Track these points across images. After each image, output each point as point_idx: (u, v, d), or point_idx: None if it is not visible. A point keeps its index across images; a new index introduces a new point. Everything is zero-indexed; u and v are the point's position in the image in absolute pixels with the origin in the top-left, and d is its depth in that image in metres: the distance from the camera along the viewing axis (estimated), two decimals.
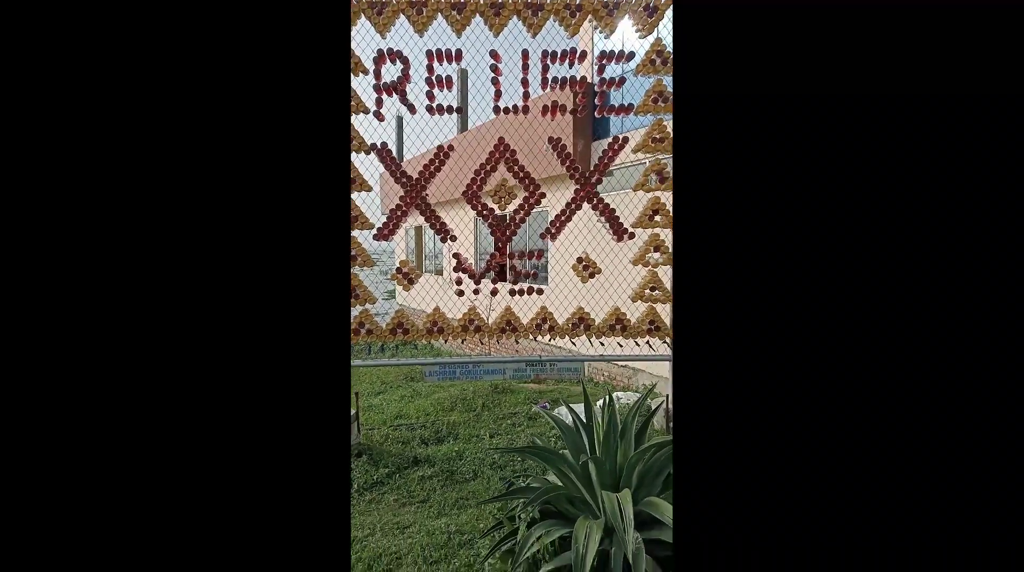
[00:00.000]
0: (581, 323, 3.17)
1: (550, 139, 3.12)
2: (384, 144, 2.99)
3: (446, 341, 3.29)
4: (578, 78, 3.03)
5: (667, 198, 2.94)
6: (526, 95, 3.02)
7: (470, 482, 2.83)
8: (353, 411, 3.32)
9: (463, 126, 8.90)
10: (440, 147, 3.02)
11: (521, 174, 3.06)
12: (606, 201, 3.08)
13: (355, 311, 3.07)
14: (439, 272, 9.17)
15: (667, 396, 3.53)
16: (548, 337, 3.19)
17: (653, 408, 2.44)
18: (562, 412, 3.76)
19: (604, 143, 5.97)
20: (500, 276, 3.19)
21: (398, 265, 3.15)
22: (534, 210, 3.11)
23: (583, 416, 3.67)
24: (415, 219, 10.62)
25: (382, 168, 3.09)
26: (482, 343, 3.40)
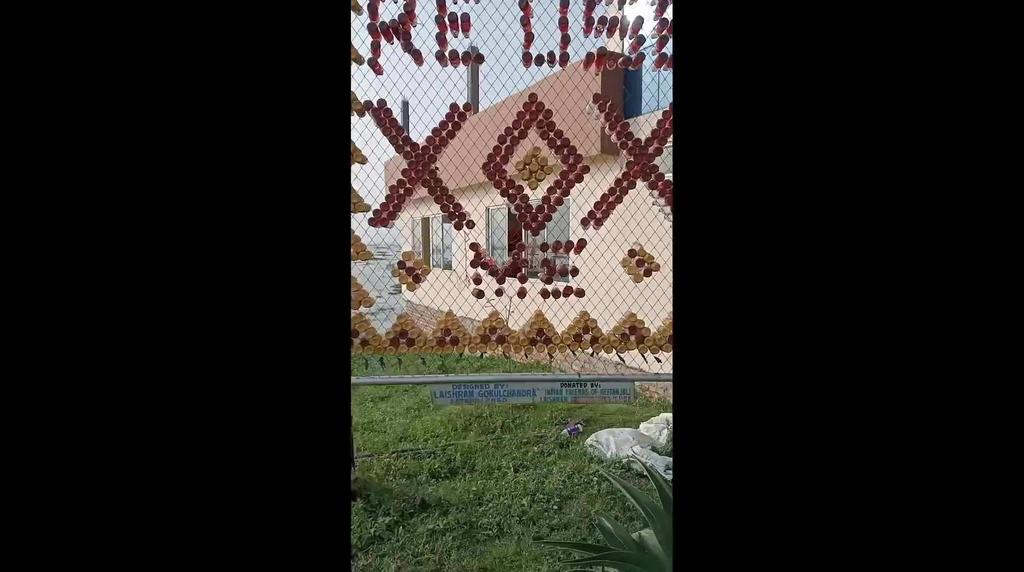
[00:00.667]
0: (633, 333, 2.50)
1: (595, 96, 2.43)
2: (382, 102, 2.33)
3: (461, 355, 2.63)
4: (631, 20, 2.34)
5: None
6: (565, 40, 2.33)
7: (494, 541, 2.19)
8: None
9: (474, 107, 8.20)
10: (454, 106, 2.34)
11: (558, 142, 2.38)
12: (667, 178, 2.40)
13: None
14: (447, 267, 8.51)
15: None
16: (590, 350, 2.53)
17: None
18: (601, 439, 3.10)
19: (639, 120, 5.27)
20: (517, 273, 2.52)
21: (401, 258, 2.49)
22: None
23: (638, 450, 2.98)
24: (420, 209, 9.86)
25: (386, 152, 2.43)
26: (506, 356, 2.74)
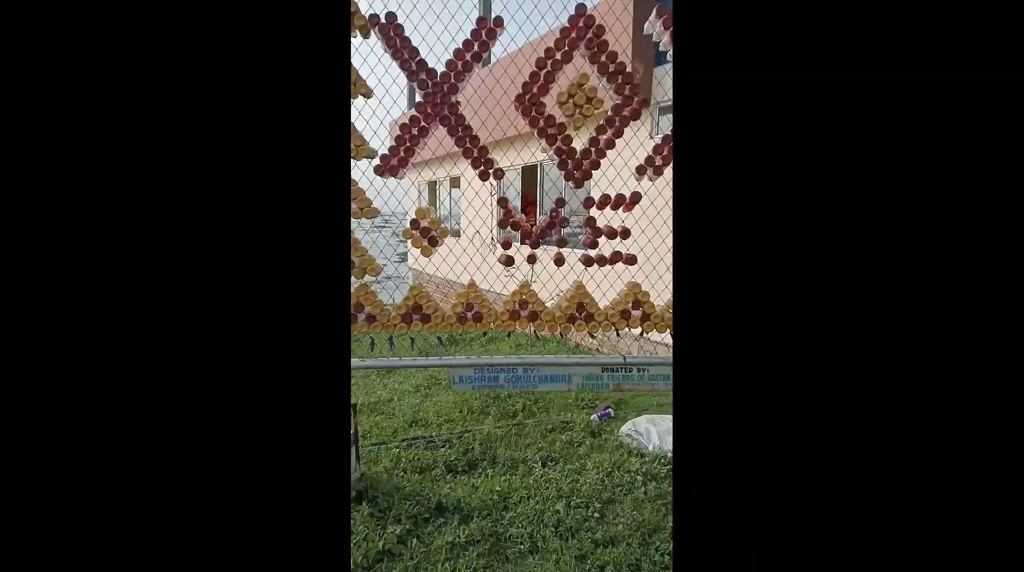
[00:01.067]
0: None
1: (659, 8, 1.92)
2: (392, 16, 1.83)
3: (486, 333, 2.21)
4: None
5: None
6: None
7: (528, 559, 1.82)
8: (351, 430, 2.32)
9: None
10: (482, 21, 1.85)
11: (612, 67, 1.89)
12: None
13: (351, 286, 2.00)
14: (455, 234, 8.04)
15: None
16: (640, 330, 2.10)
17: None
18: (640, 428, 2.71)
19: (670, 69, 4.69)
20: (555, 234, 2.06)
21: (413, 216, 2.04)
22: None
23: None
24: (425, 173, 9.22)
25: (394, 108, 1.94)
26: (537, 337, 2.32)
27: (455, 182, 7.69)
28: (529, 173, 5.79)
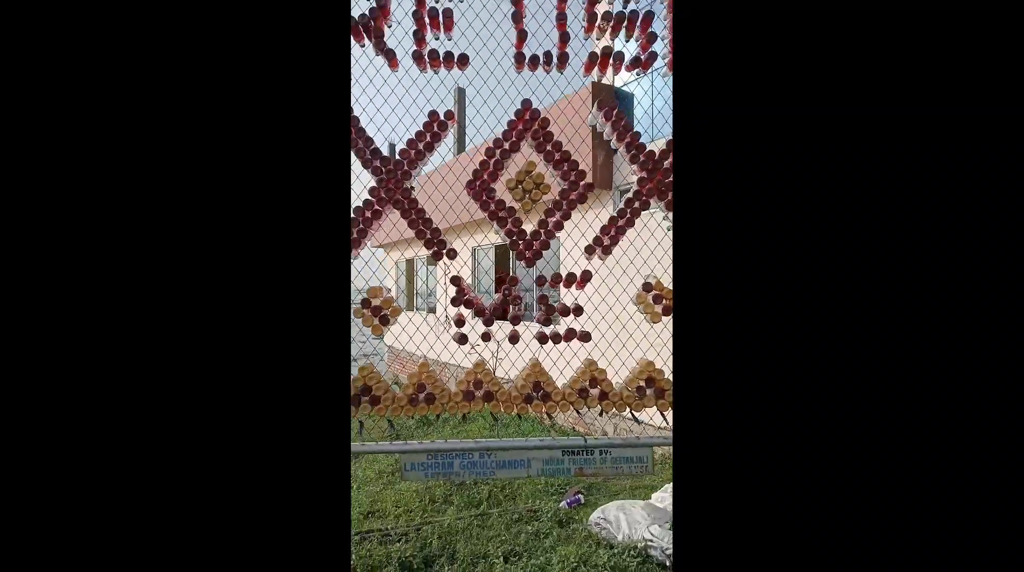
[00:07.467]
0: (650, 386, 2.03)
1: (600, 102, 2.07)
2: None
3: (438, 417, 2.12)
4: (641, 13, 2.02)
5: None
6: (563, 38, 2.00)
7: None
8: None
9: (460, 146, 7.96)
10: (434, 114, 1.96)
11: (558, 155, 2.00)
12: None
13: None
14: (431, 311, 8.01)
15: None
16: (599, 408, 2.05)
17: None
18: (610, 516, 2.56)
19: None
20: (508, 312, 2.07)
21: (365, 295, 2.02)
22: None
23: (657, 532, 2.49)
24: (406, 251, 9.41)
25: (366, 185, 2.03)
26: (495, 418, 2.25)
27: (432, 260, 7.82)
28: (503, 251, 5.94)
